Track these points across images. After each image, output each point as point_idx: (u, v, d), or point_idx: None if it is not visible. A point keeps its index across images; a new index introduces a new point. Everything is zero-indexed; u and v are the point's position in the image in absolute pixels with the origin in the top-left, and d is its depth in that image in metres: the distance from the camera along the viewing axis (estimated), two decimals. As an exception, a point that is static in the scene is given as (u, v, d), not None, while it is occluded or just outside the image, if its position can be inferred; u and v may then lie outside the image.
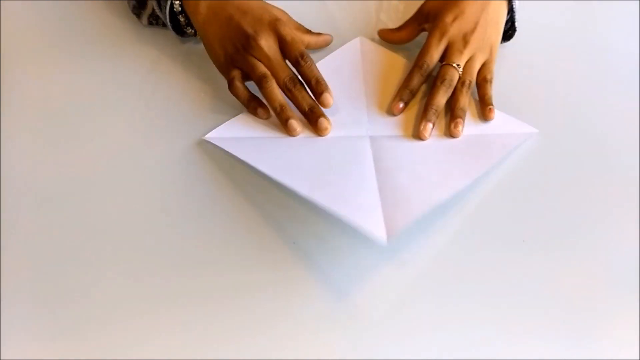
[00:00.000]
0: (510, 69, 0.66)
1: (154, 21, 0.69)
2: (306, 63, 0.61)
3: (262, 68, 0.61)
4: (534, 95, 0.66)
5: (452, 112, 0.62)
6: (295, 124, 0.61)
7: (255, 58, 0.61)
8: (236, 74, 0.62)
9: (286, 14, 0.67)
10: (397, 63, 0.68)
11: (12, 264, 0.54)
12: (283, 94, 0.61)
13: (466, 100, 0.63)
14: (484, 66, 0.65)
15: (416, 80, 0.63)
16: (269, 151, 0.60)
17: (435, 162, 0.59)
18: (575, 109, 0.65)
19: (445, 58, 0.64)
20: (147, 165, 0.60)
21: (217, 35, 0.63)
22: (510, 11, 0.66)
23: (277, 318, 0.52)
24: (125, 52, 0.67)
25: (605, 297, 0.54)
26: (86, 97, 0.64)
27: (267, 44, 0.61)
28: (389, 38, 0.70)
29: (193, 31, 0.67)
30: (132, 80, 0.65)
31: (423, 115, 0.62)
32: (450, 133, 0.61)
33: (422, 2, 0.68)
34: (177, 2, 0.64)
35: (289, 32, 0.61)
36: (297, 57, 0.61)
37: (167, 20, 0.65)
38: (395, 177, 0.57)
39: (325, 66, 0.64)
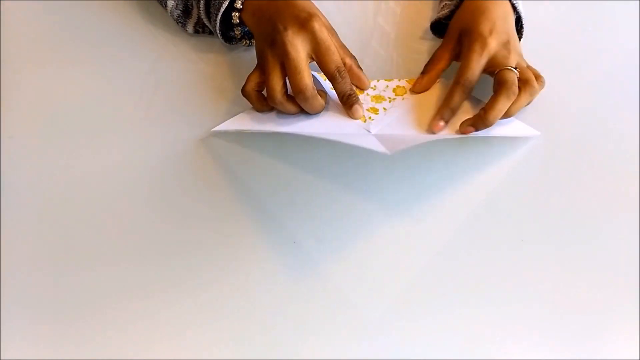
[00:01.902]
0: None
1: (200, 29, 0.67)
2: (343, 79, 0.58)
3: (274, 93, 0.57)
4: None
5: (507, 110, 0.58)
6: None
7: (277, 61, 0.56)
8: (252, 84, 0.59)
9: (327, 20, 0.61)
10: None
11: (12, 264, 0.55)
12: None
13: (524, 103, 0.60)
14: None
15: (457, 97, 0.59)
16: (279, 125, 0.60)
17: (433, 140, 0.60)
18: (575, 110, 0.65)
19: (495, 67, 0.59)
20: (148, 164, 0.60)
21: (254, 32, 0.60)
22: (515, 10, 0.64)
23: (277, 318, 0.52)
24: (125, 51, 0.67)
25: (605, 297, 0.54)
26: (87, 97, 0.64)
27: (293, 45, 0.55)
28: (429, 82, 0.63)
29: (240, 34, 0.64)
30: (133, 80, 0.65)
31: (473, 119, 0.58)
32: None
33: (419, 4, 0.68)
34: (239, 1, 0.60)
35: (327, 38, 0.57)
36: (334, 71, 0.58)
37: (218, 22, 0.62)
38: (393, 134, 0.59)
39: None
